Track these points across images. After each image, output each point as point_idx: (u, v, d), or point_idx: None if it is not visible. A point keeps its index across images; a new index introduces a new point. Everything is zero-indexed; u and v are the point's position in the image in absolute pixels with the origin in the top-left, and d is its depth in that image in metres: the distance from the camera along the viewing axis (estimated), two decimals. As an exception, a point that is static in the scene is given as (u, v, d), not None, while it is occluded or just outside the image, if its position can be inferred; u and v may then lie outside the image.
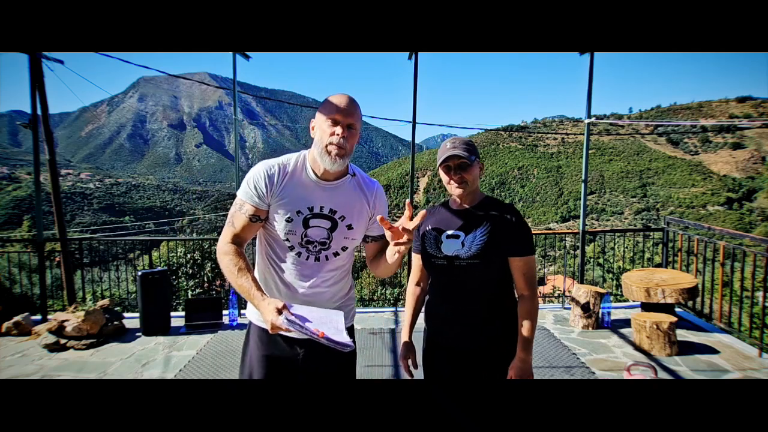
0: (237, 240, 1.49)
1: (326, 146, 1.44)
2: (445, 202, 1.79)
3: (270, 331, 1.29)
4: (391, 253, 1.43)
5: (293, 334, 1.41)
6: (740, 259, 4.10)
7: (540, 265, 11.27)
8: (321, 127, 1.47)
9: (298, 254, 1.51)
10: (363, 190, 1.58)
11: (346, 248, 1.55)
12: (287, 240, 1.50)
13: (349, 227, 1.53)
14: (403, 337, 1.79)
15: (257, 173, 1.48)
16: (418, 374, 1.81)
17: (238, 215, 1.49)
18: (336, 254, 1.53)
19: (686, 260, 4.93)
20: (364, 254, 1.72)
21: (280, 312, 1.26)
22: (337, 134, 1.43)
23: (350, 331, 1.67)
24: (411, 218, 1.36)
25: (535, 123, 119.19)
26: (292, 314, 1.28)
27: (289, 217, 1.48)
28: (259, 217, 1.50)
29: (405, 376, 1.74)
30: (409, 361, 1.76)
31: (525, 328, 1.58)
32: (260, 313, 1.33)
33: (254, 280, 1.41)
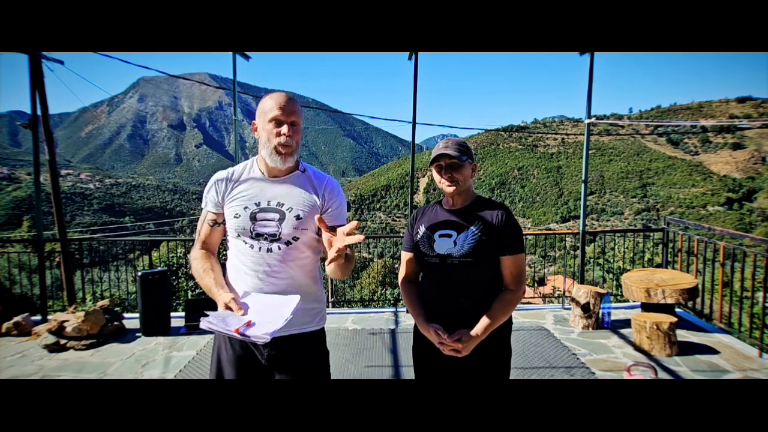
0: (204, 246, 1.66)
1: (275, 147, 1.53)
2: (438, 201, 1.82)
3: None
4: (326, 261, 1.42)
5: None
6: (740, 260, 4.09)
7: (540, 265, 11.27)
8: (265, 129, 1.55)
9: (251, 246, 1.57)
10: (312, 184, 1.63)
11: (298, 238, 1.58)
12: (239, 236, 1.58)
13: (297, 218, 1.57)
14: (421, 327, 1.69)
15: (210, 183, 1.64)
16: (410, 373, 1.80)
17: (201, 225, 1.66)
18: (288, 243, 1.57)
19: (686, 260, 4.93)
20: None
21: (226, 307, 1.41)
22: (283, 133, 1.51)
23: (320, 334, 1.69)
24: (348, 234, 1.35)
25: (535, 123, 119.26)
26: (238, 304, 1.43)
27: (236, 214, 1.57)
28: (217, 221, 1.63)
29: (405, 376, 1.74)
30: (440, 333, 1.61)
31: (495, 310, 1.59)
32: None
33: (216, 277, 1.54)
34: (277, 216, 1.57)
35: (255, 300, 1.49)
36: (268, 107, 1.52)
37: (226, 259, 1.68)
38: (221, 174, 1.65)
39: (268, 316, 1.39)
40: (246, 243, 1.58)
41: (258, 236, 1.56)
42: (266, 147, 1.54)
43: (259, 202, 1.58)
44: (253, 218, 1.56)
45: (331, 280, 6.57)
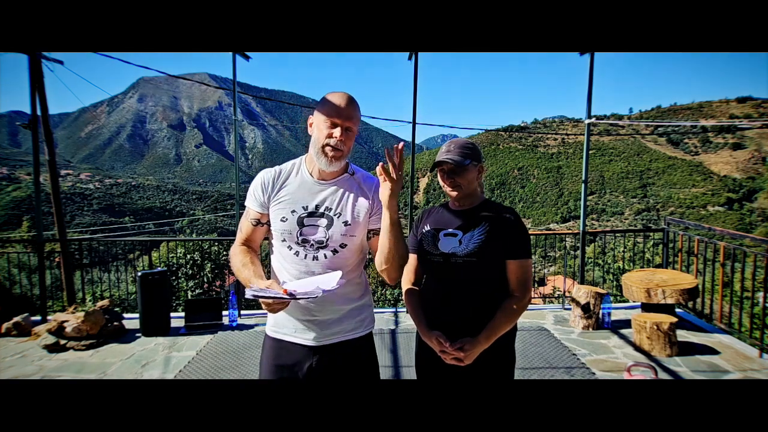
0: (246, 243, 1.59)
1: (323, 147, 1.47)
2: (444, 203, 1.80)
3: (266, 309, 1.36)
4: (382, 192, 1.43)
5: (306, 341, 1.53)
6: (740, 260, 4.09)
7: (540, 265, 11.27)
8: (319, 127, 1.48)
9: (296, 253, 1.52)
10: (362, 188, 1.58)
11: (345, 245, 1.53)
12: (284, 240, 1.52)
13: (346, 224, 1.52)
14: (422, 335, 1.66)
15: (256, 181, 1.57)
16: (410, 373, 1.79)
17: (244, 221, 1.59)
18: (335, 252, 1.52)
19: (686, 261, 4.93)
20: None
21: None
22: (335, 137, 1.45)
23: (368, 338, 1.64)
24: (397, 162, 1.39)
25: (536, 123, 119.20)
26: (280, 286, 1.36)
27: (283, 217, 1.51)
28: (261, 221, 1.57)
29: (405, 376, 1.73)
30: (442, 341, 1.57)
31: (499, 317, 1.55)
32: None
33: (256, 270, 1.47)
34: (325, 222, 1.51)
35: (298, 283, 1.43)
36: (329, 106, 1.46)
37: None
38: (268, 173, 1.57)
39: (316, 285, 1.35)
40: (291, 249, 1.52)
41: (304, 242, 1.51)
42: (315, 146, 1.48)
43: (307, 206, 1.51)
44: (301, 223, 1.50)
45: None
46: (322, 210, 1.51)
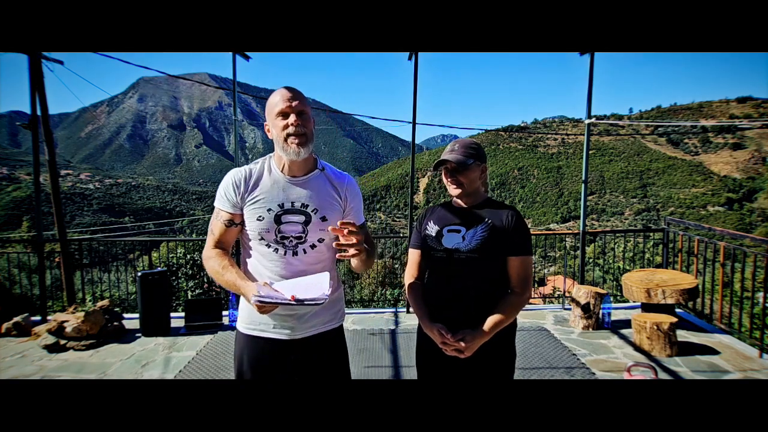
0: (219, 245, 1.58)
1: (285, 139, 1.48)
2: (447, 201, 1.84)
3: (258, 312, 1.36)
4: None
5: (283, 336, 1.55)
6: (740, 260, 4.09)
7: (540, 265, 11.27)
8: (274, 125, 1.51)
9: (276, 250, 1.54)
10: (333, 184, 1.61)
11: (323, 240, 1.57)
12: (262, 239, 1.53)
13: (323, 219, 1.55)
14: (424, 327, 1.66)
15: (226, 181, 1.56)
16: (410, 373, 1.80)
17: (215, 223, 1.58)
18: (313, 246, 1.55)
19: (686, 261, 4.93)
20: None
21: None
22: (291, 123, 1.47)
23: (340, 331, 1.69)
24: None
25: (536, 123, 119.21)
26: (273, 289, 1.37)
27: (259, 216, 1.52)
28: (234, 222, 1.56)
29: (405, 376, 1.74)
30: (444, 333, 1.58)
31: (499, 312, 1.58)
32: (244, 298, 1.41)
33: (239, 272, 1.48)
34: (302, 218, 1.53)
35: (286, 284, 1.45)
36: (273, 103, 1.49)
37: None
38: (239, 172, 1.56)
39: (311, 290, 1.37)
40: (270, 247, 1.53)
41: (283, 239, 1.52)
42: (278, 142, 1.50)
43: (283, 204, 1.53)
44: (278, 220, 1.52)
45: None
46: (297, 206, 1.54)
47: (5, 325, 4.42)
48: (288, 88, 1.50)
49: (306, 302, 1.30)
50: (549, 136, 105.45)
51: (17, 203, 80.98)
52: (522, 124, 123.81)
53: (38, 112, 4.92)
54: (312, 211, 1.54)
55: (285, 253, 1.53)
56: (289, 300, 1.29)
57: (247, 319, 1.60)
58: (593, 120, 5.29)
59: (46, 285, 5.16)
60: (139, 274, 4.45)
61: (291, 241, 1.53)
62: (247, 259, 1.60)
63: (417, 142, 5.53)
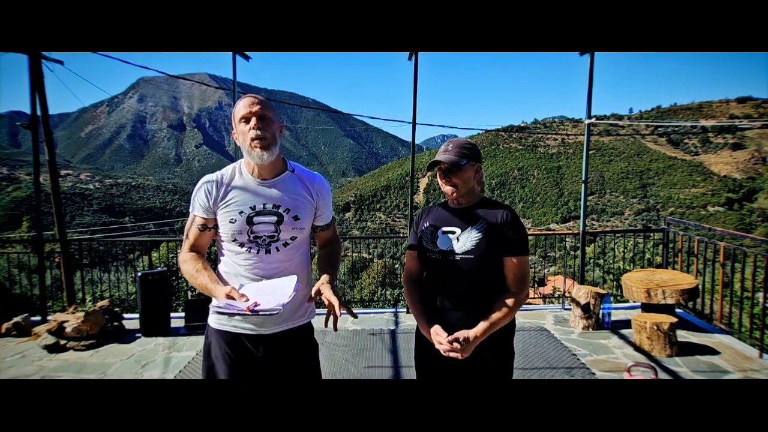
0: (194, 249, 1.64)
1: (249, 144, 1.53)
2: (444, 202, 1.83)
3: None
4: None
5: (254, 331, 1.60)
6: (741, 260, 4.09)
7: (540, 265, 11.27)
8: (240, 131, 1.56)
9: (249, 249, 1.59)
10: (304, 183, 1.67)
11: (296, 237, 1.62)
12: (235, 240, 1.58)
13: (296, 218, 1.61)
14: (421, 328, 1.68)
15: (198, 188, 1.62)
16: (410, 373, 1.80)
17: (190, 228, 1.64)
18: (285, 244, 1.61)
19: (686, 261, 4.93)
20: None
21: (228, 296, 1.40)
22: (252, 127, 1.51)
23: (309, 327, 1.74)
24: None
25: (536, 123, 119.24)
26: (239, 293, 1.42)
27: (232, 219, 1.58)
28: (208, 226, 1.62)
29: (405, 376, 1.74)
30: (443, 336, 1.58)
31: (496, 312, 1.58)
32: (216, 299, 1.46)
33: (211, 275, 1.53)
34: (274, 218, 1.58)
35: (253, 288, 1.50)
36: (236, 110, 1.55)
37: (214, 266, 1.67)
38: (210, 178, 1.62)
39: (273, 296, 1.41)
40: (243, 247, 1.58)
41: (256, 239, 1.57)
42: (244, 147, 1.55)
43: (255, 206, 1.58)
44: (250, 222, 1.57)
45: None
46: (269, 207, 1.59)
47: (5, 325, 4.42)
48: (251, 96, 1.56)
49: (261, 312, 1.35)
50: (549, 136, 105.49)
51: (17, 203, 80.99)
52: (522, 124, 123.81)
53: (38, 112, 4.92)
54: (284, 211, 1.60)
55: (258, 251, 1.59)
56: (245, 311, 1.34)
57: (218, 315, 1.65)
58: (593, 120, 5.29)
59: (46, 285, 5.16)
60: (139, 274, 4.45)
61: (264, 240, 1.58)
62: (222, 258, 1.66)
63: (417, 142, 5.53)
